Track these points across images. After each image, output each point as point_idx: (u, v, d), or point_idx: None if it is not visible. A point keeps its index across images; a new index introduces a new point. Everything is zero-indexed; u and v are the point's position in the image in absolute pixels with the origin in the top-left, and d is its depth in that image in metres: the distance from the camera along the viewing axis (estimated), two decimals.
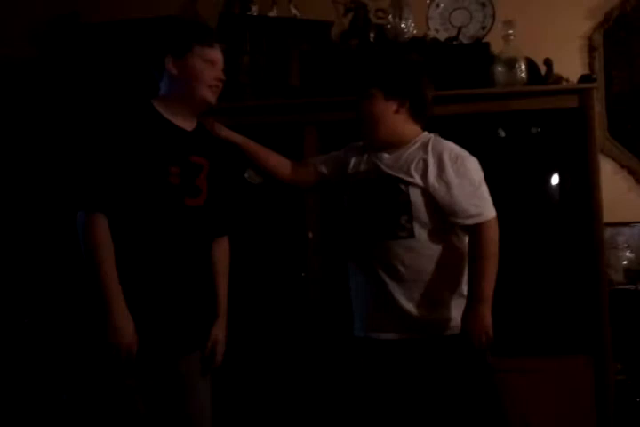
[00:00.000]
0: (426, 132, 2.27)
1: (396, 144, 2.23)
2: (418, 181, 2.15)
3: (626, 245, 3.01)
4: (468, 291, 2.14)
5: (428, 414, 2.14)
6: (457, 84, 2.73)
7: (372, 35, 2.96)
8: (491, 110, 2.74)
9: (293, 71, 2.87)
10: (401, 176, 2.17)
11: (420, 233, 2.16)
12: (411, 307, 2.15)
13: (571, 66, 3.02)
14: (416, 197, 2.16)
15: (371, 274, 2.22)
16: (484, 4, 2.94)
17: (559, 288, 2.67)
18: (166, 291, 2.06)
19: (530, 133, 2.76)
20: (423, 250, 2.16)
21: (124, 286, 1.98)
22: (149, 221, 2.04)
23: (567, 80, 2.80)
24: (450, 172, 2.14)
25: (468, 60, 2.78)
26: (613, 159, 3.18)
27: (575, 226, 2.67)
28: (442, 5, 2.99)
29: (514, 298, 2.67)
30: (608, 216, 2.71)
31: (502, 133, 2.77)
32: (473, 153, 2.70)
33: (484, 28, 2.93)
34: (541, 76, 2.81)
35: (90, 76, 3.03)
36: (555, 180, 2.74)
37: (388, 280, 2.17)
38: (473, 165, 2.20)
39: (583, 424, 2.60)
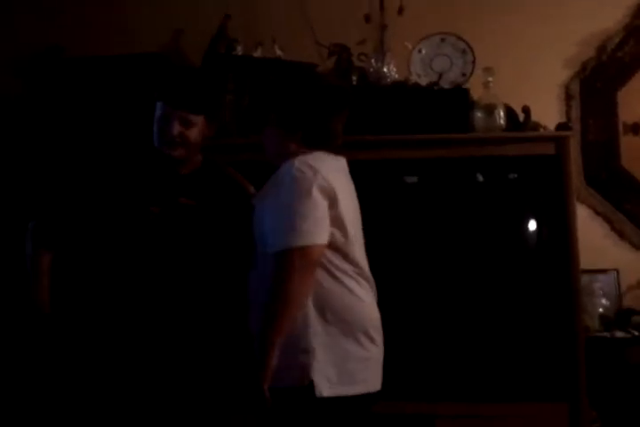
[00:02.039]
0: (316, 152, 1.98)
1: None
2: (255, 202, 1.98)
3: (601, 292, 3.01)
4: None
5: None
6: (437, 128, 2.77)
7: (354, 78, 2.99)
8: (469, 155, 2.77)
9: None
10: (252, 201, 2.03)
11: (262, 264, 1.90)
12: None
13: (548, 113, 3.07)
14: (255, 224, 1.95)
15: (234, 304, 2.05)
16: (464, 52, 2.99)
17: (536, 335, 2.66)
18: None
19: (507, 179, 2.79)
20: (266, 283, 1.84)
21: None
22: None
23: (544, 127, 2.85)
24: (269, 192, 1.90)
25: (449, 105, 2.82)
26: (589, 206, 3.21)
27: (552, 272, 2.68)
28: (424, 51, 3.03)
29: (491, 344, 2.66)
30: (584, 263, 2.73)
31: (480, 178, 2.79)
32: (452, 197, 2.77)
33: (464, 74, 2.98)
34: (519, 122, 2.86)
35: (73, 110, 3.02)
36: (532, 225, 2.76)
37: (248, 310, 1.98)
38: (296, 187, 1.82)
39: None
